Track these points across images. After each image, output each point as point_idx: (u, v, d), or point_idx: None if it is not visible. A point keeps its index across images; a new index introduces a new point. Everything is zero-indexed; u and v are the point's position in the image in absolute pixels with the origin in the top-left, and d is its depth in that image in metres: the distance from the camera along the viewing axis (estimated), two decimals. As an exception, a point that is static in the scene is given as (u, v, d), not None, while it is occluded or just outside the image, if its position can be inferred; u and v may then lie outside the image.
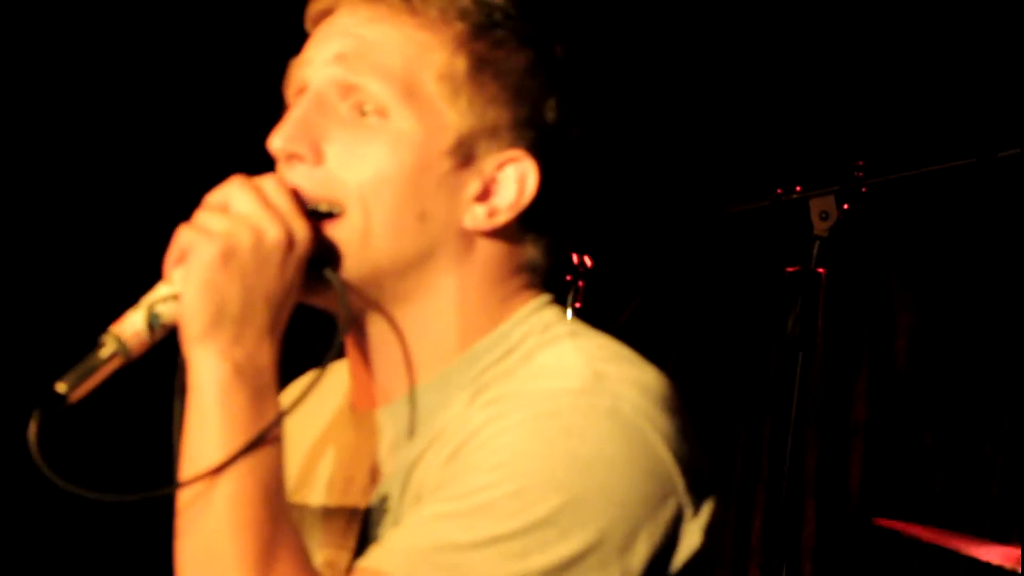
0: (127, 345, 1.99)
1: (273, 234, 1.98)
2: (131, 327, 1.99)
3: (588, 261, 4.22)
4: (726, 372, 5.75)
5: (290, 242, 2.00)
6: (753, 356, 5.66)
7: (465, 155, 2.09)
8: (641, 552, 1.96)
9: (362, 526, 2.13)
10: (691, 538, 2.00)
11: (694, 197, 5.53)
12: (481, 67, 2.09)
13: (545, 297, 2.19)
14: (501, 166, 2.10)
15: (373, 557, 1.96)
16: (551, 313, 2.17)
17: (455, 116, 2.08)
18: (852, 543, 5.51)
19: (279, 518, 1.98)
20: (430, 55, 2.07)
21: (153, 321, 2.00)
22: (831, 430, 5.61)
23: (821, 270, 3.78)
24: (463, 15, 2.09)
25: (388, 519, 2.09)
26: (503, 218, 2.11)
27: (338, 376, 2.26)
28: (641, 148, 5.66)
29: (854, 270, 5.48)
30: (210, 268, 1.96)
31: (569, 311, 4.26)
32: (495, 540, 1.90)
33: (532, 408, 1.97)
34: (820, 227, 3.81)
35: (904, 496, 5.44)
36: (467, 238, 2.11)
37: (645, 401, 2.00)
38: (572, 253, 4.23)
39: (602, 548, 1.93)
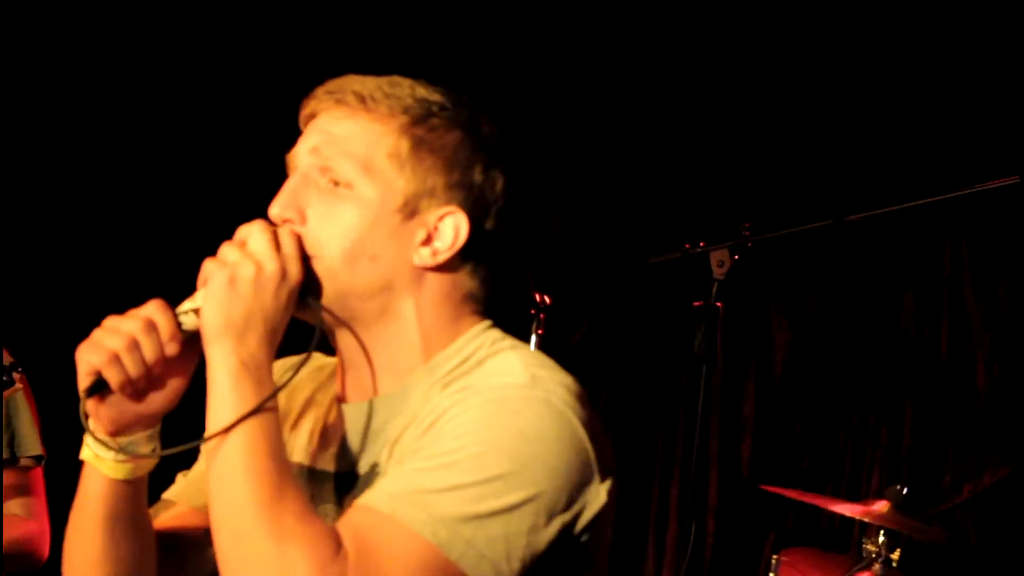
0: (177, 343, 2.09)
1: (270, 268, 2.08)
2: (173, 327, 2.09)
3: (548, 299, 4.31)
4: (650, 381, 5.76)
5: (283, 275, 2.09)
6: (669, 369, 5.68)
7: (411, 211, 2.15)
8: (564, 503, 2.03)
9: (343, 488, 2.20)
10: (599, 497, 2.08)
11: (623, 251, 5.53)
12: (420, 146, 2.16)
13: (488, 322, 2.24)
14: (440, 218, 2.16)
15: (365, 497, 2.01)
16: (495, 333, 2.23)
17: (402, 183, 2.15)
18: (744, 504, 5.57)
19: (284, 467, 2.03)
20: (382, 139, 2.16)
21: (179, 326, 2.10)
22: (728, 421, 5.66)
23: (719, 304, 3.76)
24: (406, 110, 2.17)
25: (370, 482, 2.13)
26: (443, 257, 2.17)
27: (321, 370, 2.36)
28: (579, 211, 5.66)
29: (743, 303, 5.54)
30: (220, 290, 2.06)
31: (533, 336, 4.34)
32: (458, 487, 1.97)
33: (487, 396, 2.05)
34: (718, 272, 3.80)
35: (781, 469, 5.51)
36: (418, 273, 2.18)
37: (569, 396, 2.07)
38: (535, 293, 4.33)
39: (538, 500, 2.00)
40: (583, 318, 5.60)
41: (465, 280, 2.23)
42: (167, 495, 2.38)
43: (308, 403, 2.36)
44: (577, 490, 2.06)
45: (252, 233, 2.11)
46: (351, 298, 2.17)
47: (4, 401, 3.73)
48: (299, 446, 2.30)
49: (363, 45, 5.40)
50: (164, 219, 5.60)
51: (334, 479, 2.23)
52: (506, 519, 2.00)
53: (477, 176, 2.20)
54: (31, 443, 3.88)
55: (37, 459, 3.90)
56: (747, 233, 3.84)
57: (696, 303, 3.82)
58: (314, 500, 2.20)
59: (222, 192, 5.33)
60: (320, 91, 2.21)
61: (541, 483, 2.02)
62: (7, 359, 3.77)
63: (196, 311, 2.09)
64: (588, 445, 2.07)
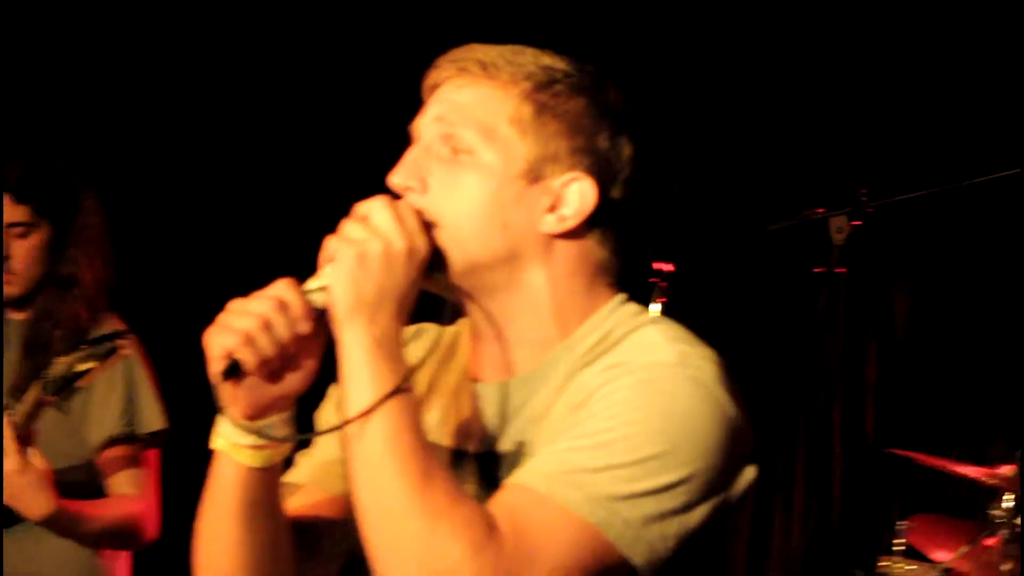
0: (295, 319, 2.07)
1: (399, 244, 2.06)
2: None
3: (670, 268, 4.35)
4: (771, 348, 5.72)
5: (411, 250, 2.07)
6: (790, 336, 5.64)
7: (535, 176, 2.14)
8: (717, 482, 2.04)
9: (485, 468, 2.18)
10: (747, 475, 2.09)
11: (742, 219, 5.52)
12: (543, 111, 2.14)
13: (623, 295, 2.22)
14: (566, 184, 2.14)
15: (517, 477, 2.02)
16: (632, 307, 2.21)
17: (524, 148, 2.13)
18: (870, 471, 5.55)
19: (429, 446, 2.03)
20: (503, 105, 2.14)
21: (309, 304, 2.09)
22: (851, 388, 5.59)
23: (840, 270, 3.88)
24: (528, 76, 2.16)
25: (514, 461, 2.13)
26: (571, 223, 2.15)
27: (438, 343, 2.34)
28: (698, 178, 5.64)
29: (864, 269, 5.32)
30: (350, 268, 2.04)
31: (654, 306, 4.38)
32: (612, 467, 1.97)
33: (637, 375, 2.03)
34: (838, 238, 3.89)
35: (905, 434, 5.42)
36: (546, 241, 2.15)
37: (715, 371, 2.07)
38: (656, 262, 4.36)
39: (691, 480, 2.00)
40: (703, 287, 5.54)
41: (595, 249, 2.20)
42: (292, 479, 2.34)
43: (434, 379, 2.34)
44: (729, 469, 2.07)
45: (374, 209, 2.09)
46: (479, 268, 2.16)
47: (119, 369, 3.79)
48: (432, 426, 2.26)
49: (490, 16, 5.43)
50: (281, 197, 5.71)
51: (475, 459, 2.22)
52: (661, 499, 2.00)
53: (602, 142, 2.18)
54: (152, 417, 3.92)
55: (154, 435, 3.93)
56: (866, 199, 3.91)
57: (816, 270, 3.91)
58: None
59: (337, 169, 5.44)
60: (443, 60, 2.20)
61: (694, 463, 2.02)
62: (118, 325, 3.87)
63: (324, 289, 2.08)
64: (737, 420, 2.08)
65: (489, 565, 1.94)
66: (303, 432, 2.22)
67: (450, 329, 2.35)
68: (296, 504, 2.30)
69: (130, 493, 3.86)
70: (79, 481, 3.84)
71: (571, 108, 2.17)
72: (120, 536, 3.84)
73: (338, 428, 2.06)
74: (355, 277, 2.05)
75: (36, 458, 3.57)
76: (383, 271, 2.06)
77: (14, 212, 3.84)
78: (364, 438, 2.01)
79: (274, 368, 2.12)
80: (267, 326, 2.06)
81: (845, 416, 5.61)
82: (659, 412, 2.02)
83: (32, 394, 3.57)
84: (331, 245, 2.08)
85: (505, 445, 2.18)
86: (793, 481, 5.71)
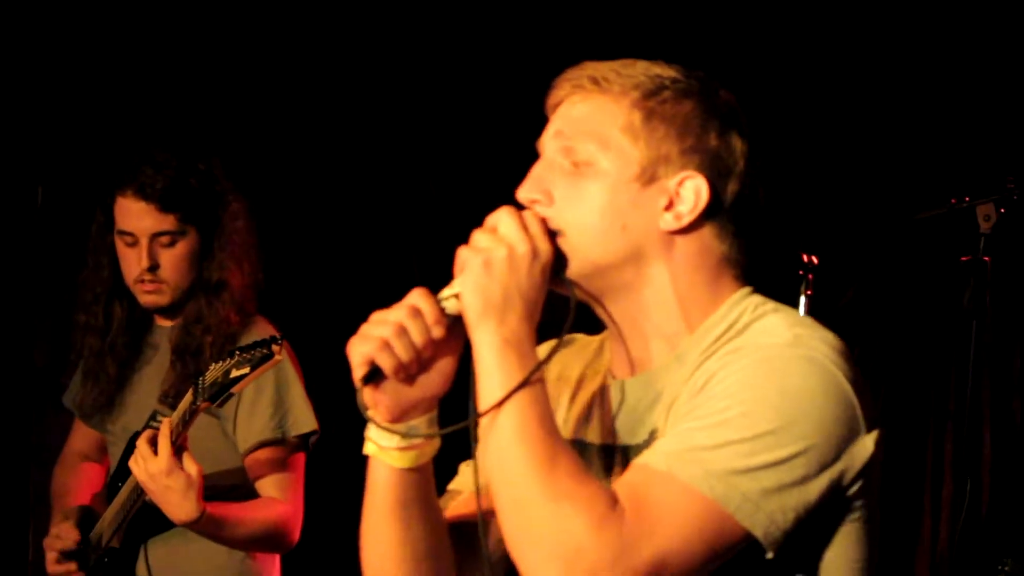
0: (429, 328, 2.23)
1: (522, 249, 2.20)
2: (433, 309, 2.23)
3: (815, 260, 4.38)
4: (920, 338, 5.67)
5: (534, 253, 2.21)
6: (939, 325, 5.56)
7: (649, 178, 2.26)
8: (833, 455, 2.13)
9: (622, 461, 2.29)
10: (867, 447, 2.16)
11: (889, 209, 5.43)
12: (651, 116, 2.26)
13: (748, 288, 2.33)
14: (680, 182, 2.26)
15: (640, 457, 2.14)
16: (757, 298, 2.30)
17: (637, 153, 2.26)
18: (1019, 459, 5.49)
19: (555, 433, 2.16)
20: (615, 115, 2.27)
21: (443, 312, 2.24)
22: (1000, 377, 5.56)
23: (987, 258, 3.87)
24: (637, 86, 2.28)
25: (639, 433, 2.28)
26: (687, 220, 2.26)
27: (586, 348, 2.47)
28: (844, 169, 5.65)
29: (1012, 257, 5.29)
30: (477, 274, 2.19)
31: (802, 298, 4.41)
32: (729, 443, 2.08)
33: (752, 357, 2.16)
34: (984, 227, 3.89)
35: None
36: (666, 238, 2.27)
37: (831, 351, 2.16)
38: (803, 254, 4.39)
39: (808, 453, 2.10)
40: (851, 278, 5.54)
41: (715, 243, 2.31)
42: (452, 486, 2.52)
43: (580, 381, 2.46)
44: (845, 442, 2.15)
45: (500, 218, 2.24)
46: (604, 269, 2.29)
47: (269, 373, 3.79)
48: (579, 424, 2.41)
49: (606, 33, 5.48)
50: (418, 212, 5.81)
51: (614, 452, 2.34)
52: (778, 471, 2.09)
53: (712, 141, 2.29)
54: (304, 419, 3.95)
55: (303, 437, 3.97)
56: (1012, 186, 3.91)
57: (964, 258, 3.92)
58: (596, 474, 2.29)
59: (473, 185, 5.55)
60: (560, 80, 2.33)
61: (810, 436, 2.11)
62: (268, 329, 3.94)
63: (456, 296, 2.23)
64: (853, 398, 2.16)
65: (611, 540, 2.05)
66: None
67: (600, 336, 2.47)
68: (454, 508, 2.46)
69: (276, 496, 3.91)
70: (229, 484, 3.94)
71: (679, 111, 2.28)
72: (266, 540, 3.90)
73: (471, 422, 2.21)
74: (482, 282, 2.19)
75: (189, 463, 3.65)
76: (508, 274, 2.20)
77: (161, 222, 3.89)
78: (495, 430, 2.15)
79: (413, 372, 2.27)
80: (402, 332, 2.22)
81: (994, 406, 5.58)
82: (774, 389, 2.12)
83: (186, 400, 3.65)
84: (462, 254, 2.23)
85: (639, 437, 2.30)
86: (942, 472, 5.68)
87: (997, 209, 3.90)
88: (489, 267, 2.20)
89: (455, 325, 2.25)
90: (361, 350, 2.23)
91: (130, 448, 3.86)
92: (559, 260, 2.27)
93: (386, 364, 2.23)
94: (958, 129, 5.55)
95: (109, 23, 5.41)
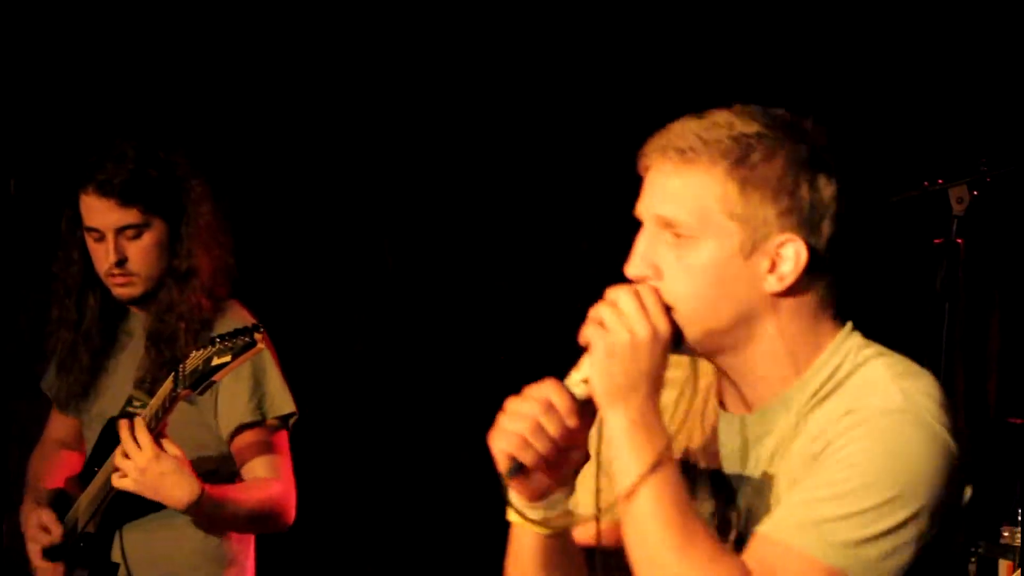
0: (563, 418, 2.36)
1: (643, 333, 2.32)
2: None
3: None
4: (893, 320, 5.72)
5: (654, 336, 2.33)
6: (912, 307, 5.71)
7: (751, 249, 2.35)
8: (943, 511, 2.29)
9: (719, 489, 2.47)
10: (967, 491, 2.36)
11: (864, 191, 5.56)
12: (745, 186, 2.34)
13: (848, 326, 2.45)
14: (780, 246, 2.35)
15: (769, 528, 2.30)
16: (857, 339, 2.44)
17: (736, 226, 2.34)
18: (993, 443, 5.51)
19: (690, 511, 2.32)
20: (709, 189, 2.34)
21: (572, 398, 2.36)
22: (973, 358, 5.62)
23: (960, 240, 3.89)
24: (725, 154, 2.34)
25: (753, 488, 2.42)
26: (790, 280, 2.36)
27: (677, 367, 2.56)
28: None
29: (984, 239, 5.15)
30: (602, 360, 2.32)
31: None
32: (852, 515, 2.25)
33: (869, 425, 2.29)
34: (957, 208, 3.89)
35: None
36: (770, 299, 2.37)
37: (936, 408, 2.32)
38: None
39: (921, 514, 2.26)
40: None
41: (814, 290, 2.41)
42: (581, 509, 2.58)
43: (678, 401, 2.59)
44: (953, 497, 2.32)
45: (621, 297, 2.35)
46: (715, 335, 2.39)
47: (251, 361, 3.82)
48: (685, 448, 2.54)
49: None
50: (389, 195, 5.86)
51: (715, 481, 2.49)
52: (896, 536, 2.26)
53: (804, 195, 2.36)
54: (281, 402, 3.99)
55: (284, 419, 4.00)
56: (986, 168, 3.92)
57: (937, 240, 3.92)
58: (695, 496, 2.46)
59: (444, 168, 5.64)
60: (649, 147, 2.40)
61: (923, 499, 2.27)
62: (245, 315, 3.98)
63: (585, 381, 2.35)
64: (957, 452, 2.32)
65: None
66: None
67: (691, 357, 2.57)
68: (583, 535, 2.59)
69: (268, 476, 3.94)
70: (210, 470, 3.95)
71: (770, 173, 2.36)
72: (265, 519, 3.94)
73: (612, 509, 2.36)
74: (607, 368, 2.33)
75: (170, 447, 3.69)
76: (631, 359, 2.32)
77: (124, 216, 3.91)
78: (632, 509, 2.31)
79: (551, 459, 2.39)
80: (539, 428, 2.35)
81: (968, 387, 5.62)
82: (891, 458, 2.28)
83: (166, 387, 3.69)
84: (587, 334, 2.36)
85: (745, 473, 2.46)
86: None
87: (970, 191, 3.90)
88: (612, 354, 2.32)
89: (586, 406, 2.37)
90: (502, 446, 2.37)
91: (105, 434, 3.92)
92: (675, 333, 2.37)
93: (527, 460, 2.36)
94: (931, 112, 5.59)
95: (82, 14, 5.44)
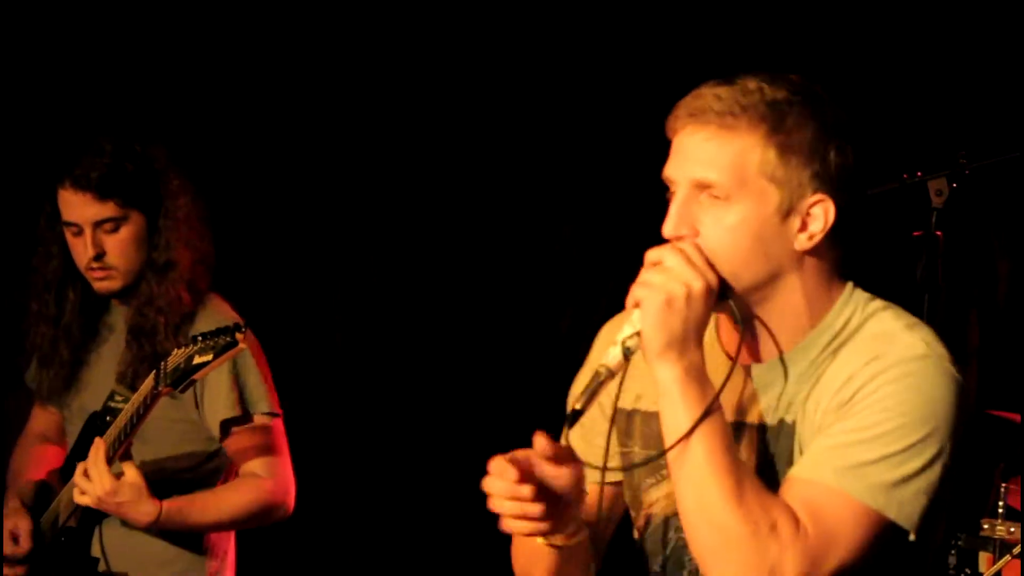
0: (613, 370, 2.46)
1: (698, 285, 2.43)
2: (614, 358, 2.45)
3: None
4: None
5: (707, 288, 2.44)
6: (891, 299, 5.72)
7: (786, 210, 2.49)
8: (957, 449, 2.45)
9: (756, 437, 2.57)
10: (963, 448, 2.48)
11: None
12: (783, 151, 2.47)
13: (851, 283, 2.60)
14: (811, 207, 2.49)
15: (811, 470, 2.44)
16: (862, 293, 2.60)
17: (774, 188, 2.47)
18: (972, 434, 5.57)
19: (738, 458, 2.44)
20: (749, 154, 2.46)
21: (626, 353, 2.45)
22: (953, 351, 5.62)
23: (939, 233, 3.91)
24: (763, 119, 2.47)
25: (771, 434, 2.55)
26: (818, 238, 2.50)
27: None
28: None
29: (963, 232, 5.31)
30: (659, 312, 2.41)
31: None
32: (885, 457, 2.40)
33: (896, 370, 2.43)
34: (936, 201, 3.92)
35: (1007, 394, 5.39)
36: (799, 256, 2.51)
37: (949, 354, 2.51)
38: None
39: (943, 453, 2.42)
40: None
41: (833, 249, 2.56)
42: None
43: None
44: (963, 436, 2.48)
45: (666, 255, 2.45)
46: (749, 289, 2.51)
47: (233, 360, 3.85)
48: None
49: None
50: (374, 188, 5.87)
51: (747, 429, 2.60)
52: (925, 474, 2.42)
53: (833, 159, 2.50)
54: (261, 400, 3.99)
55: (271, 415, 4.01)
56: (963, 161, 3.96)
57: (916, 233, 3.97)
58: None
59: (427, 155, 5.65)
60: (682, 111, 2.51)
61: (945, 439, 2.43)
62: (226, 309, 4.00)
63: (637, 334, 2.44)
64: (966, 390, 2.51)
65: (801, 554, 2.37)
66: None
67: None
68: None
69: (259, 474, 3.96)
70: (185, 467, 4.00)
71: (804, 138, 2.49)
72: (252, 517, 3.97)
73: (662, 455, 2.47)
74: (664, 319, 2.42)
75: (130, 470, 3.74)
76: (687, 310, 2.43)
77: (101, 210, 3.92)
78: (686, 459, 2.43)
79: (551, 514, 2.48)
80: (525, 514, 2.44)
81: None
82: (920, 401, 2.43)
83: (147, 384, 3.71)
84: (636, 292, 2.45)
85: (773, 418, 2.58)
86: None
87: (949, 184, 3.94)
88: (670, 305, 2.42)
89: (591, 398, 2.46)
90: (503, 520, 2.45)
91: (87, 428, 3.94)
92: (722, 285, 2.50)
93: (526, 532, 2.49)
94: (909, 105, 5.63)
95: (59, 9, 5.44)
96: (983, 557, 5.00)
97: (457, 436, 5.73)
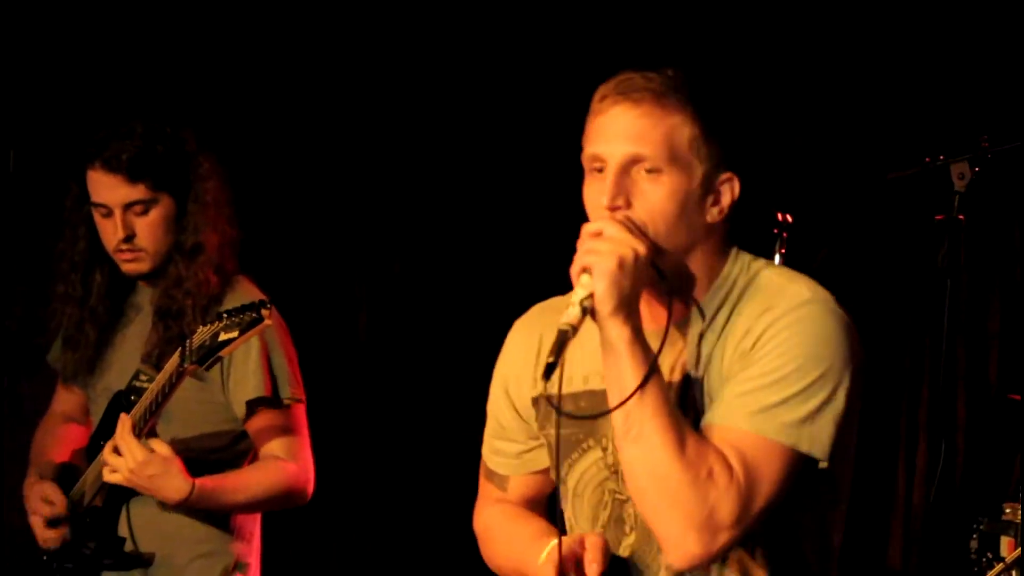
0: (576, 326, 2.59)
1: (642, 251, 2.62)
2: (575, 316, 2.59)
3: (790, 219, 4.47)
4: (894, 297, 5.83)
5: (648, 251, 2.63)
6: (913, 285, 5.75)
7: (707, 186, 2.73)
8: (857, 380, 2.70)
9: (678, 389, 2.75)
10: (862, 376, 2.72)
11: (862, 168, 5.57)
12: (707, 130, 2.71)
13: (735, 247, 2.82)
14: (721, 183, 2.75)
15: (721, 416, 2.66)
16: (745, 255, 2.82)
17: (698, 164, 2.72)
18: (994, 421, 5.61)
19: (678, 412, 2.65)
20: (679, 130, 2.69)
21: (584, 311, 2.59)
22: (975, 337, 5.71)
23: (961, 217, 3.88)
24: (689, 99, 2.70)
25: (693, 387, 2.74)
26: (726, 211, 2.76)
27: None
28: (817, 128, 5.78)
29: (986, 216, 5.52)
30: (611, 274, 2.58)
31: (777, 256, 4.50)
32: (792, 396, 2.64)
33: (788, 317, 2.67)
34: (959, 185, 3.89)
35: None
36: (707, 226, 2.75)
37: (831, 296, 2.74)
38: (778, 213, 4.49)
39: (842, 384, 2.67)
40: (825, 237, 5.53)
41: (727, 220, 2.79)
42: (499, 470, 3.05)
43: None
44: (860, 369, 2.71)
45: (606, 226, 2.64)
46: (673, 258, 2.71)
47: (261, 339, 3.90)
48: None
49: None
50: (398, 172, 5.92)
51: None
52: (830, 407, 2.66)
53: (738, 138, 2.76)
54: (285, 383, 4.02)
55: (295, 399, 4.04)
56: (986, 144, 3.94)
57: (938, 217, 3.93)
58: None
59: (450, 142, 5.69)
60: (612, 91, 2.72)
61: (841, 372, 2.67)
62: (253, 290, 4.02)
63: (590, 296, 2.59)
64: (853, 326, 2.73)
65: (736, 497, 2.59)
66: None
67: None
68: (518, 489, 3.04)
69: (281, 456, 3.99)
70: (212, 447, 4.02)
71: (721, 120, 2.73)
72: (275, 500, 4.01)
73: (609, 412, 2.65)
74: (617, 281, 2.59)
75: (160, 446, 3.77)
76: (635, 272, 2.61)
77: (131, 192, 3.95)
78: (632, 416, 2.61)
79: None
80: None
81: (969, 364, 5.72)
82: (812, 342, 2.67)
83: (172, 362, 3.74)
84: (584, 259, 2.61)
85: (686, 371, 2.77)
86: (917, 430, 5.82)
87: (971, 167, 3.92)
88: (622, 267, 2.59)
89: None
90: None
91: (112, 408, 3.97)
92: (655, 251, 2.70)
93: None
94: (932, 88, 5.64)
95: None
96: (1004, 541, 5.03)
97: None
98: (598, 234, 2.62)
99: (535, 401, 2.93)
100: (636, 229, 2.64)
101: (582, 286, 2.60)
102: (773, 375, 2.65)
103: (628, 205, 2.68)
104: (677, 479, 2.58)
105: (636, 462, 2.63)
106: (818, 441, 2.65)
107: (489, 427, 3.04)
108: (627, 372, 2.61)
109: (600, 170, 2.71)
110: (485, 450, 3.06)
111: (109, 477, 3.80)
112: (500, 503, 3.04)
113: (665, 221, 2.68)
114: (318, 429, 4.14)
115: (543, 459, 2.97)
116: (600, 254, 2.59)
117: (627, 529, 2.80)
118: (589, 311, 2.60)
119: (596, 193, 2.71)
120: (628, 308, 2.60)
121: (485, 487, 3.09)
